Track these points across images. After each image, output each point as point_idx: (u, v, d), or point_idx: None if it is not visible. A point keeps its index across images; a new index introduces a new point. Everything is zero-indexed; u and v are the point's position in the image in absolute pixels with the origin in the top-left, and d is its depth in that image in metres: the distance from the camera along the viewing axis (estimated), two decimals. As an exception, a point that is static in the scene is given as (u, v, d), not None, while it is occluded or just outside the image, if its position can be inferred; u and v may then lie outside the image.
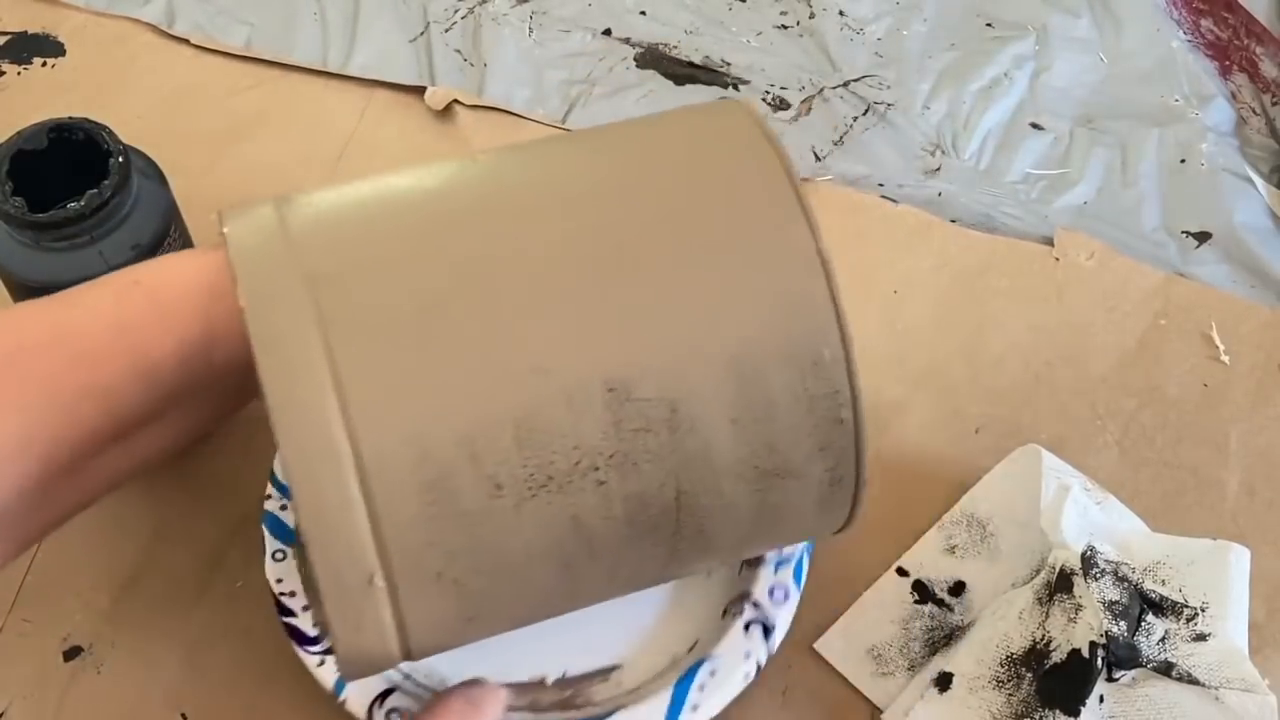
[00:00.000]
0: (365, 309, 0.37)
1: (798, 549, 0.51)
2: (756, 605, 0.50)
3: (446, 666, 0.50)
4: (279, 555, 0.50)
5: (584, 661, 0.50)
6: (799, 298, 0.39)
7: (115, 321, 0.41)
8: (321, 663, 0.48)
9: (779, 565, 0.51)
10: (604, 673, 0.50)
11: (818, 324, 0.39)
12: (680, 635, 0.51)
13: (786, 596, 0.50)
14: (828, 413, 0.39)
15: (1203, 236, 0.69)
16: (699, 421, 0.38)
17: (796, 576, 0.51)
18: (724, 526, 0.41)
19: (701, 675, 0.48)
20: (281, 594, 0.49)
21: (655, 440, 0.38)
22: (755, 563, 0.51)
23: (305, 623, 0.49)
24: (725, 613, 0.51)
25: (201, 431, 0.46)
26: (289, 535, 0.50)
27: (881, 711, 0.52)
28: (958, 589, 0.55)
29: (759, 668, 0.49)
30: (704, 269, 0.39)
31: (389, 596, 0.37)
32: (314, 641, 0.48)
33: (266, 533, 0.50)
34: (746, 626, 0.50)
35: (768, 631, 0.49)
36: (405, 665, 0.49)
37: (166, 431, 0.44)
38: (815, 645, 0.53)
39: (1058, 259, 0.67)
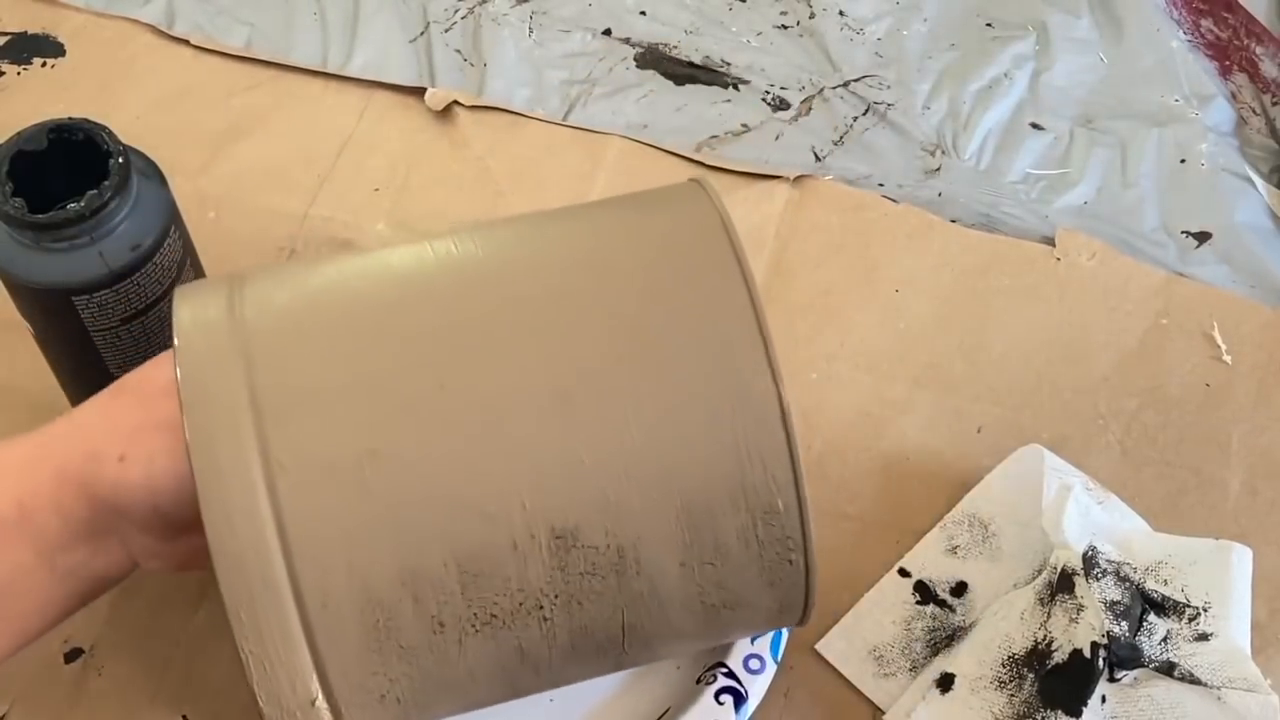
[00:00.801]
0: (312, 448, 0.37)
1: None
2: (731, 674, 0.50)
3: None
4: None
5: None
6: (757, 449, 0.38)
7: None
8: None
9: (756, 635, 0.50)
10: None
11: (774, 476, 0.39)
12: (652, 701, 0.51)
13: (762, 667, 0.50)
14: (778, 556, 0.39)
15: (1203, 236, 0.69)
16: (646, 564, 0.38)
17: (774, 648, 0.51)
18: (671, 645, 0.42)
19: None
20: None
21: (601, 583, 0.38)
22: None
23: None
24: (699, 680, 0.51)
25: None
26: None
27: (883, 712, 0.52)
28: (959, 589, 0.55)
29: None
30: (661, 413, 0.38)
31: (331, 713, 0.38)
32: None
33: None
34: (719, 695, 0.49)
35: (740, 701, 0.49)
36: None
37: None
38: (817, 646, 0.53)
39: (1059, 259, 0.67)
